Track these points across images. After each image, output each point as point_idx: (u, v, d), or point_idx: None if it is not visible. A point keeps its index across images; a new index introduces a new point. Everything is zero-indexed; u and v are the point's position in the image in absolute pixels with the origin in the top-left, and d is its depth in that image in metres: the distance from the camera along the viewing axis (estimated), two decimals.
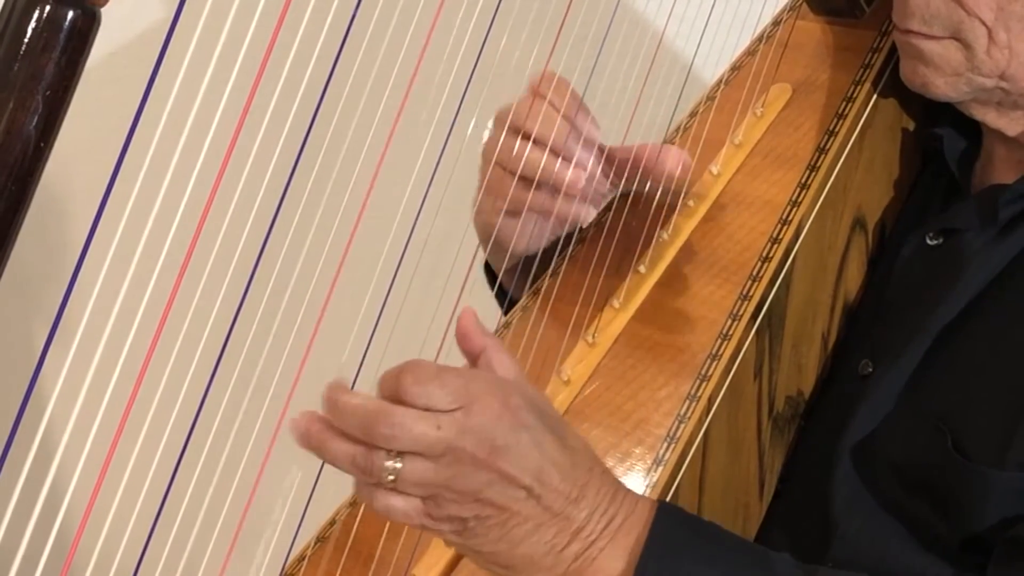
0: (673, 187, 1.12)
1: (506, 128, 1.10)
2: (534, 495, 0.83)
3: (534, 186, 1.10)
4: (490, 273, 1.27)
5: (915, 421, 1.01)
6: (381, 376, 0.82)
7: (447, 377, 0.81)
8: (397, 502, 0.82)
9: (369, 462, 0.80)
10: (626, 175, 1.11)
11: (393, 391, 0.80)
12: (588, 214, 1.13)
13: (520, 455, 0.82)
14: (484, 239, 1.17)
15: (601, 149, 1.12)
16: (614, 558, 0.87)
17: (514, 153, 1.10)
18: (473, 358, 0.87)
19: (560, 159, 1.09)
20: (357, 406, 0.80)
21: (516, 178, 1.10)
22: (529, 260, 1.18)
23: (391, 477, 0.80)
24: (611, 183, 1.13)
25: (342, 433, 0.81)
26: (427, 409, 0.80)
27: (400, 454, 0.80)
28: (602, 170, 1.11)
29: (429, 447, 0.80)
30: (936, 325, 1.03)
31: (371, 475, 0.80)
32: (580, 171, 1.09)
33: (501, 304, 1.28)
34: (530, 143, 1.09)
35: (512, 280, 1.22)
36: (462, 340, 0.87)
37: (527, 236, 1.16)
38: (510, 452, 0.82)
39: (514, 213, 1.12)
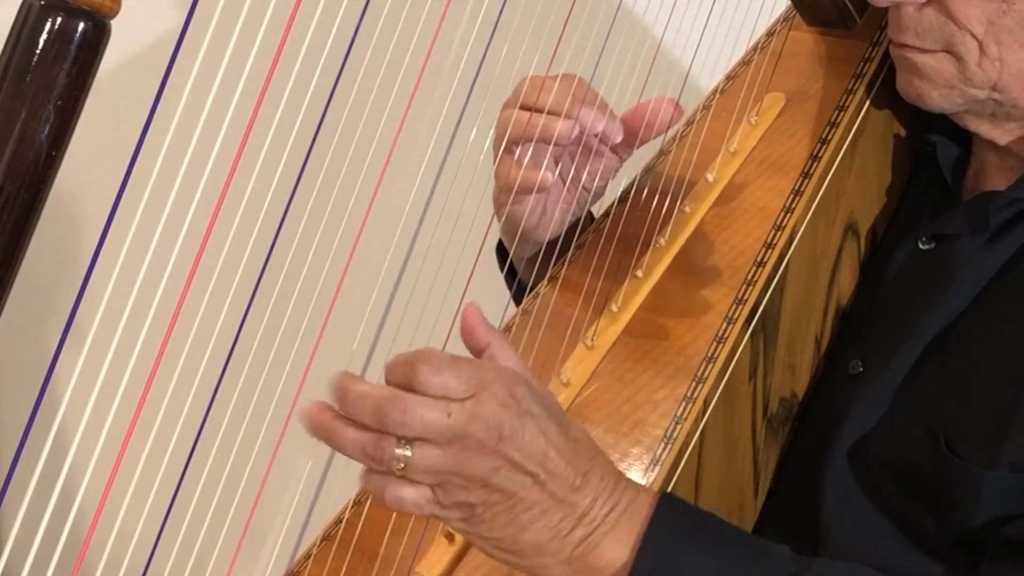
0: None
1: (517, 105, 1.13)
2: (539, 481, 0.84)
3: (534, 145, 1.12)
4: (501, 256, 1.29)
5: (908, 422, 1.02)
6: (389, 363, 0.82)
7: (462, 367, 0.82)
8: (407, 491, 0.82)
9: (379, 450, 0.81)
10: (639, 138, 1.14)
11: (405, 379, 0.81)
12: (598, 178, 1.17)
13: (526, 442, 0.83)
14: (510, 232, 1.20)
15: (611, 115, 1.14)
16: (617, 543, 0.88)
17: (517, 123, 1.12)
18: (478, 353, 0.88)
19: (560, 118, 1.11)
20: (368, 393, 0.81)
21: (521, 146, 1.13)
22: (550, 245, 1.20)
23: (401, 465, 0.81)
24: (624, 148, 1.16)
25: (352, 421, 0.81)
26: (444, 397, 0.81)
27: (409, 442, 0.81)
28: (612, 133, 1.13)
29: (439, 433, 0.81)
30: (928, 328, 1.03)
31: (381, 463, 0.81)
32: (570, 123, 1.10)
33: (510, 286, 1.29)
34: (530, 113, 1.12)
35: (532, 268, 1.23)
36: (468, 335, 0.88)
37: (545, 216, 1.18)
38: (516, 439, 0.83)
39: (527, 193, 1.14)
